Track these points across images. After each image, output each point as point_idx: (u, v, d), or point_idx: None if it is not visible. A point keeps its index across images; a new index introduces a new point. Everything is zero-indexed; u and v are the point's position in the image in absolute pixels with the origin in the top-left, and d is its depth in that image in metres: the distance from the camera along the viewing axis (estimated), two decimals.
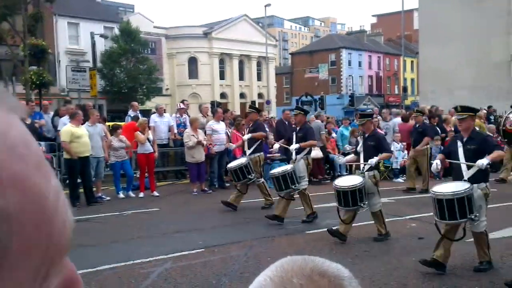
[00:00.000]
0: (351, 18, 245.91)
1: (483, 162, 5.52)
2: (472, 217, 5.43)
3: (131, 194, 11.22)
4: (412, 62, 58.75)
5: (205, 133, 11.79)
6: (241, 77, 48.29)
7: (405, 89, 40.19)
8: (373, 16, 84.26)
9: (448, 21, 24.75)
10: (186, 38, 43.60)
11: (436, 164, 6.14)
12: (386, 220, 8.55)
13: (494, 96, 22.15)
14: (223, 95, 45.90)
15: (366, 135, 7.51)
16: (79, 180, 10.24)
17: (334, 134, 14.70)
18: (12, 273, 0.36)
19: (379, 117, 14.70)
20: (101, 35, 24.32)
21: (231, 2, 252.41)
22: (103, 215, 9.23)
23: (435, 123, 13.05)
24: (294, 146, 8.43)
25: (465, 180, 5.65)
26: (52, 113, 13.24)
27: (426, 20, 27.60)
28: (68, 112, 10.88)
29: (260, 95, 47.47)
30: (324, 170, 13.80)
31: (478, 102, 19.94)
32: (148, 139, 11.27)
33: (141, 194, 11.19)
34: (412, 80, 59.36)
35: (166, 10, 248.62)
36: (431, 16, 26.32)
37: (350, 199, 6.95)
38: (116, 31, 35.48)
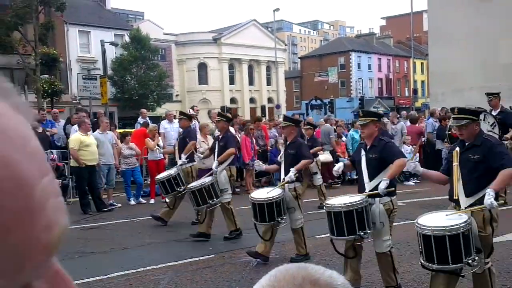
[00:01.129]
0: (360, 21, 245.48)
1: (382, 187, 4.90)
2: (361, 234, 4.94)
3: (142, 200, 11.30)
4: (422, 64, 58.45)
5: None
6: (251, 82, 48.39)
7: (415, 91, 39.99)
8: (382, 18, 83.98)
9: (457, 22, 24.61)
10: (195, 44, 43.83)
11: (338, 168, 5.62)
12: (399, 223, 8.52)
13: (505, 96, 21.93)
14: (233, 100, 46.02)
15: (288, 142, 6.69)
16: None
17: (344, 138, 14.65)
18: None
19: (386, 120, 14.62)
20: (111, 43, 24.54)
21: (239, 7, 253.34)
22: (114, 222, 9.30)
23: (446, 125, 12.95)
24: (214, 164, 7.77)
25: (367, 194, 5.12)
26: (62, 121, 13.38)
27: (434, 21, 27.46)
28: (79, 120, 11.01)
29: (270, 100, 47.52)
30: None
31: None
32: (158, 145, 11.34)
33: (152, 201, 11.25)
34: (423, 82, 59.03)
35: (175, 16, 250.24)
36: (440, 17, 26.18)
37: (267, 213, 6.26)
38: (127, 38, 35.77)
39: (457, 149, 4.60)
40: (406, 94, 59.97)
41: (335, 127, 14.36)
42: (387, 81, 60.70)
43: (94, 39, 34.38)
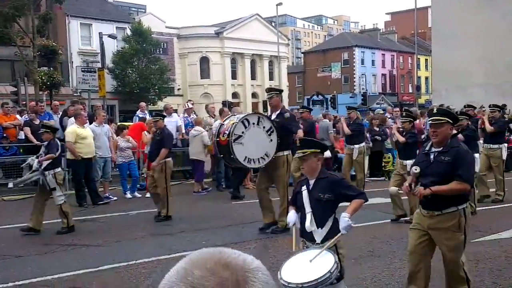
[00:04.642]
0: (365, 16, 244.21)
1: None
2: None
3: (137, 194, 11.27)
4: (426, 60, 58.20)
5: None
6: (253, 77, 48.28)
7: (418, 87, 39.83)
8: (386, 14, 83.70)
9: (460, 18, 24.47)
10: (197, 38, 43.72)
11: None
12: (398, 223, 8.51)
13: (508, 94, 21.81)
14: (235, 95, 45.93)
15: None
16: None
17: None
18: None
19: (388, 116, 14.54)
20: (110, 35, 24.46)
21: (242, 1, 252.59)
22: (109, 215, 9.27)
23: None
24: None
25: None
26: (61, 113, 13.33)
27: (438, 17, 27.32)
28: (75, 113, 10.96)
29: None
30: (332, 170, 13.70)
31: (491, 100, 19.62)
32: None
33: (148, 194, 11.19)
34: (427, 78, 58.80)
35: (178, 10, 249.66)
36: (443, 13, 26.04)
37: None
38: (128, 31, 35.70)
39: None
40: (410, 90, 59.75)
41: (334, 123, 14.26)
42: (390, 77, 60.48)
43: (95, 32, 34.30)
